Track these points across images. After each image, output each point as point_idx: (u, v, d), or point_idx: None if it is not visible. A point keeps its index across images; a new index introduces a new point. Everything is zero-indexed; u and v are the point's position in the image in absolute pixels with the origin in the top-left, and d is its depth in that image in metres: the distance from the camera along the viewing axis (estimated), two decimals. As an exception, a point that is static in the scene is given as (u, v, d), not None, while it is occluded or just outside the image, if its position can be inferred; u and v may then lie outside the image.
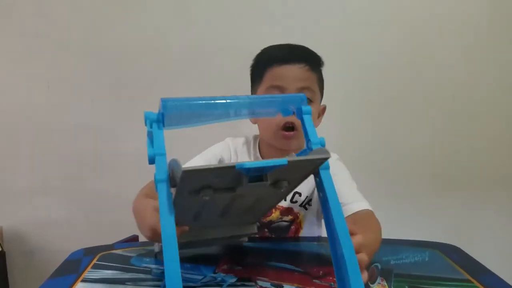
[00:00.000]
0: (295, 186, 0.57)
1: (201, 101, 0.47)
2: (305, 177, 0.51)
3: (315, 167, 0.47)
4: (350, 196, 0.77)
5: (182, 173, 0.40)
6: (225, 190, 0.46)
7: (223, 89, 1.13)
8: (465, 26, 1.17)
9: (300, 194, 0.87)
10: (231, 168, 0.41)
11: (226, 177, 0.44)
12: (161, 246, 0.65)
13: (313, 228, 0.93)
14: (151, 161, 0.44)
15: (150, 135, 0.46)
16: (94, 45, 1.13)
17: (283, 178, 0.46)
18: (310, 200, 0.89)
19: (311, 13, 1.14)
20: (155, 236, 0.58)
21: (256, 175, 0.44)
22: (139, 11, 1.12)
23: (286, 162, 0.41)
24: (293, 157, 0.47)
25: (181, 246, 0.42)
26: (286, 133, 0.80)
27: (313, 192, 0.88)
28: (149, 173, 1.22)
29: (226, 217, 0.60)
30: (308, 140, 0.50)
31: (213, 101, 0.47)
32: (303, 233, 0.91)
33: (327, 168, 0.48)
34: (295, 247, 0.80)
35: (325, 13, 1.15)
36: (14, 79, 1.15)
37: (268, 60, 0.84)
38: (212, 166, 0.42)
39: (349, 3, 1.15)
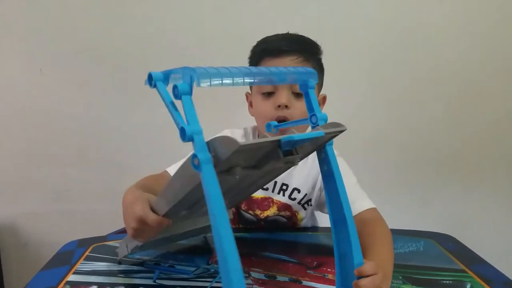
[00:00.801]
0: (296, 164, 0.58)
1: (226, 69, 0.45)
2: (309, 153, 0.52)
3: (324, 142, 0.50)
4: (352, 195, 0.74)
5: (237, 147, 0.36)
6: (250, 168, 0.46)
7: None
8: (471, 19, 1.14)
9: (299, 191, 0.85)
10: (276, 141, 0.42)
11: (262, 153, 0.44)
12: (133, 248, 0.64)
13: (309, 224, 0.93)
14: (189, 138, 0.37)
15: (174, 107, 0.39)
16: (90, 33, 1.11)
17: (298, 153, 0.47)
18: (310, 200, 0.87)
19: (315, 7, 1.12)
20: (140, 231, 0.56)
21: (289, 149, 0.45)
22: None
23: (323, 134, 0.44)
24: (327, 129, 0.48)
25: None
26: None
27: (312, 191, 0.86)
28: (143, 163, 1.21)
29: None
30: (312, 115, 0.51)
31: (237, 70, 0.46)
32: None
33: (331, 144, 0.50)
34: (289, 238, 0.80)
35: (328, 7, 1.12)
36: (7, 66, 1.12)
37: (261, 53, 0.82)
38: (260, 141, 0.41)
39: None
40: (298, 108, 0.77)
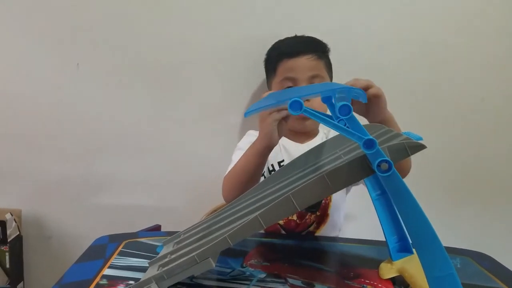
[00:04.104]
0: None
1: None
2: None
3: None
4: None
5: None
6: None
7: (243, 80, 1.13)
8: (497, 28, 1.12)
9: None
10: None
11: None
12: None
13: (341, 203, 0.95)
14: (372, 145, 0.45)
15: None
16: (129, 30, 1.11)
17: None
18: None
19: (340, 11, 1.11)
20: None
21: None
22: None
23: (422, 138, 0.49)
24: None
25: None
26: None
27: None
28: (173, 161, 1.22)
29: None
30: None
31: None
32: (332, 207, 0.92)
33: None
34: (323, 246, 0.79)
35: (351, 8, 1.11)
36: (43, 61, 1.12)
37: (278, 55, 0.93)
38: None
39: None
40: (317, 100, 0.79)
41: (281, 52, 0.93)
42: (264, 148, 0.74)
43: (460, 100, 1.16)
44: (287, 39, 0.98)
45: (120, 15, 1.10)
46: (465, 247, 0.82)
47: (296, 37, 0.98)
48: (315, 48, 0.92)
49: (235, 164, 0.81)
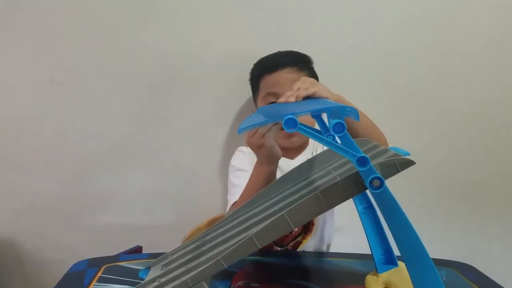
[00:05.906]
0: None
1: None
2: None
3: None
4: None
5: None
6: None
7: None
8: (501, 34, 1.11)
9: None
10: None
11: None
12: None
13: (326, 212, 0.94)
14: (367, 164, 0.44)
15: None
16: (106, 40, 1.07)
17: None
18: None
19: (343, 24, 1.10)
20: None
21: None
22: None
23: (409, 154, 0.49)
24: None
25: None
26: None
27: None
28: (157, 179, 1.18)
29: None
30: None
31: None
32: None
33: None
34: (312, 263, 0.78)
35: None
36: (14, 76, 1.08)
37: (259, 71, 0.95)
38: None
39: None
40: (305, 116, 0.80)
41: (262, 68, 0.94)
42: (272, 167, 0.75)
43: (458, 106, 1.15)
44: (268, 55, 0.98)
45: (107, 29, 1.07)
46: (455, 252, 0.81)
47: (277, 52, 0.98)
48: (295, 60, 0.92)
49: (244, 192, 0.79)
